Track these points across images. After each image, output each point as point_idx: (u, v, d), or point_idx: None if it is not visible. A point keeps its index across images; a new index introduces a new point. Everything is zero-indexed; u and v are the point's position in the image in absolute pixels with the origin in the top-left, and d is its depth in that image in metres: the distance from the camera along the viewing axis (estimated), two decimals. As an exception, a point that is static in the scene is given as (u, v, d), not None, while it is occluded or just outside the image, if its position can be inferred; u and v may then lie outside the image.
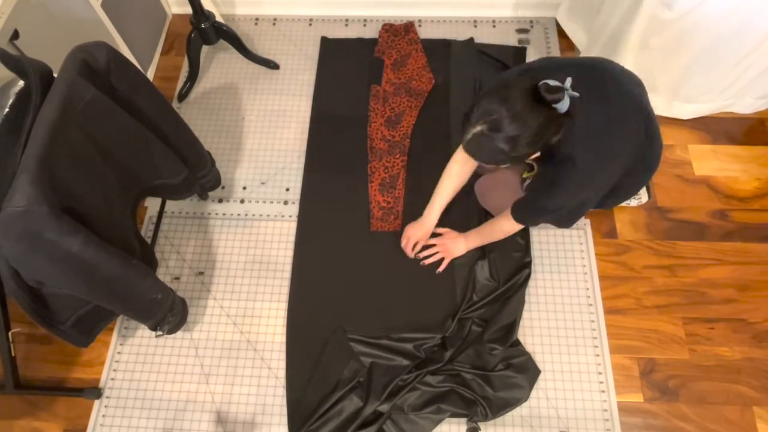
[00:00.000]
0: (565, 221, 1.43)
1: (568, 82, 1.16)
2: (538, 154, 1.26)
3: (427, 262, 1.69)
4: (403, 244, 1.70)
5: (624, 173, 1.34)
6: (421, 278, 1.69)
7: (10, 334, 1.46)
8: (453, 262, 1.70)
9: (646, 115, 1.31)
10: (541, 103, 1.14)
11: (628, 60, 1.77)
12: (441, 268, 1.68)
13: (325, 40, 2.16)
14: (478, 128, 1.17)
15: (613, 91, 1.26)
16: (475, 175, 1.70)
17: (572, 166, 1.25)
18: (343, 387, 1.52)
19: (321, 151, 1.93)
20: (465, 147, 1.24)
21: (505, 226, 1.52)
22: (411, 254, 1.70)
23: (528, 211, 1.44)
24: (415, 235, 1.68)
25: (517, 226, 1.49)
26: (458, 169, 1.59)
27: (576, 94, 1.16)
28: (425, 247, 1.70)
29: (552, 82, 1.14)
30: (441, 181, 1.63)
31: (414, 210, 1.72)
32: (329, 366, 1.56)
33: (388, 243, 1.73)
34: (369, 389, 1.52)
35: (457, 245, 1.66)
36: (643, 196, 1.74)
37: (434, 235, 1.70)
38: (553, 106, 1.14)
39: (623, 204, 1.75)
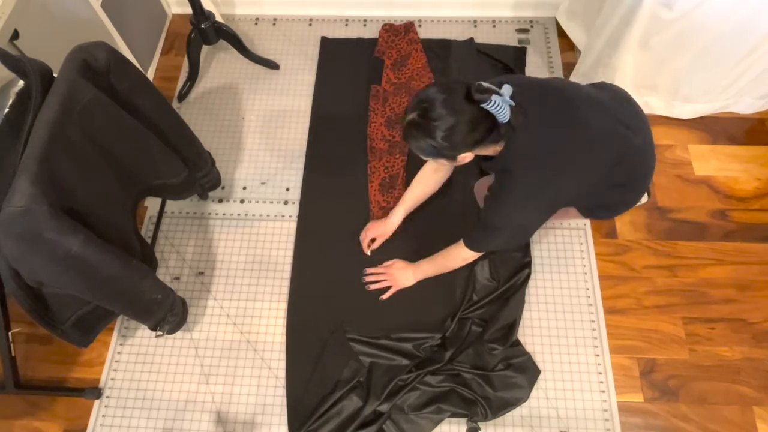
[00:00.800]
0: (512, 242, 1.45)
1: (505, 89, 1.16)
2: (471, 156, 1.24)
3: (372, 287, 1.68)
4: (360, 237, 1.72)
5: (608, 190, 1.36)
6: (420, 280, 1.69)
7: (10, 334, 1.46)
8: None
9: (620, 142, 1.28)
10: (471, 102, 1.14)
11: (628, 60, 1.77)
12: (386, 296, 1.66)
13: (325, 40, 2.16)
14: (412, 115, 1.19)
15: (579, 118, 1.24)
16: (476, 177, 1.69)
17: (509, 180, 1.26)
18: (342, 387, 1.53)
19: (321, 150, 1.93)
20: (403, 135, 1.26)
21: (460, 254, 1.48)
22: (366, 250, 1.72)
23: (477, 233, 1.42)
24: (375, 231, 1.70)
25: (471, 254, 1.46)
26: (427, 175, 1.61)
27: (511, 102, 1.15)
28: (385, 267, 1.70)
29: (486, 84, 1.15)
30: (411, 186, 1.66)
31: (413, 210, 1.72)
32: (329, 366, 1.57)
33: (387, 243, 1.73)
34: (369, 389, 1.52)
35: (404, 275, 1.65)
36: (642, 197, 1.73)
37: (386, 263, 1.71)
38: (485, 107, 1.13)
39: None
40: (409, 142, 1.24)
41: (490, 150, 1.27)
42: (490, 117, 1.16)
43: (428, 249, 1.60)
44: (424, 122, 1.17)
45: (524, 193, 1.27)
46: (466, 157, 1.24)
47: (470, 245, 1.43)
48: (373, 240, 1.72)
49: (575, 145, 1.24)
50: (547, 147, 1.23)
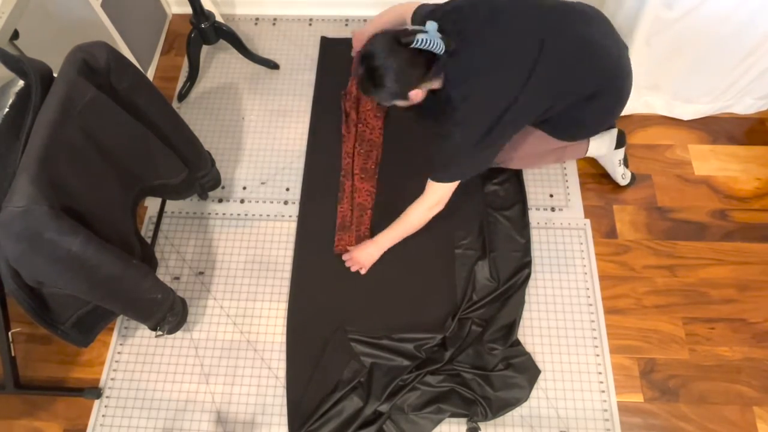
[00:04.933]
0: (474, 166, 1.49)
1: (430, 25, 1.32)
2: (422, 93, 1.40)
3: (352, 270, 1.70)
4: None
5: (558, 101, 1.40)
6: (422, 278, 1.69)
7: (10, 334, 1.46)
8: (455, 262, 1.70)
9: (543, 34, 1.33)
10: (404, 46, 1.31)
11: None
12: (363, 272, 1.69)
13: (324, 40, 2.16)
14: (360, 72, 1.37)
15: (493, 28, 1.34)
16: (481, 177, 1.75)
17: (455, 100, 1.36)
18: (343, 387, 1.52)
19: (321, 150, 1.93)
20: (361, 90, 1.43)
21: (422, 204, 1.53)
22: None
23: (438, 166, 1.48)
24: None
25: (433, 202, 1.51)
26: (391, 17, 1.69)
27: (439, 35, 1.31)
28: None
29: (411, 28, 1.35)
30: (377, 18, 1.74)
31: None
32: (330, 366, 1.56)
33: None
34: (369, 390, 1.52)
35: (366, 253, 1.67)
36: (626, 173, 1.78)
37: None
38: (417, 47, 1.29)
39: (620, 175, 1.78)
40: (367, 95, 1.44)
41: (437, 82, 1.39)
42: (426, 52, 1.31)
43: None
44: (372, 73, 1.34)
45: (470, 104, 1.35)
46: (418, 94, 1.39)
47: (437, 178, 1.48)
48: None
49: (494, 52, 1.34)
50: (480, 62, 1.33)
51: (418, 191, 1.54)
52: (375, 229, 1.74)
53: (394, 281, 1.69)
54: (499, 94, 1.34)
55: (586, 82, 1.41)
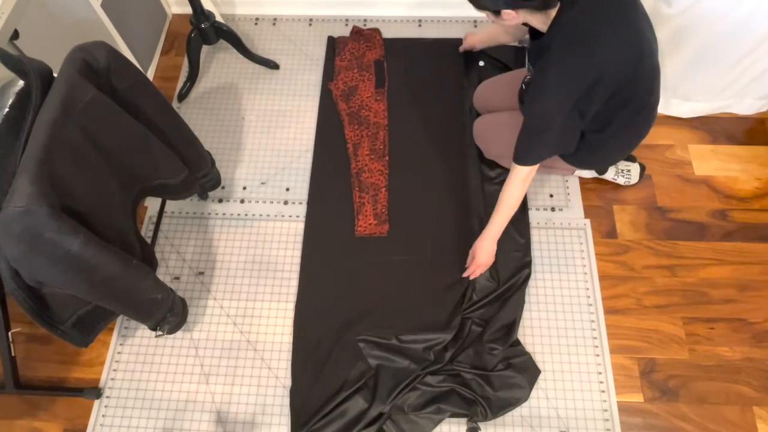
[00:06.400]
0: (561, 141, 1.43)
1: None
2: (517, 18, 1.27)
3: (475, 276, 1.66)
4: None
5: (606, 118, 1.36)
6: (429, 278, 1.68)
7: (10, 334, 1.46)
8: (455, 264, 1.70)
9: (642, 41, 1.29)
10: None
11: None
12: (478, 274, 1.65)
13: (331, 40, 2.16)
14: None
15: (626, 4, 1.26)
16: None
17: (548, 62, 1.27)
18: (349, 388, 1.51)
19: (328, 149, 1.93)
20: None
21: (516, 182, 1.46)
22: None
23: (523, 143, 1.41)
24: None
25: (525, 172, 1.43)
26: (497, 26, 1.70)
27: None
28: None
29: None
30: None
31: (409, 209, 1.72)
32: (336, 366, 1.56)
33: (395, 244, 1.73)
34: (375, 392, 1.51)
35: (484, 251, 1.60)
36: (633, 175, 1.77)
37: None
38: None
39: (611, 178, 1.79)
40: None
41: (538, 20, 1.28)
42: None
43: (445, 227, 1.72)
44: None
45: (563, 76, 1.26)
46: (510, 15, 1.26)
47: (520, 159, 1.41)
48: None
49: (609, 29, 1.24)
50: (583, 27, 1.24)
51: (428, 170, 1.62)
52: (391, 208, 1.78)
53: (400, 283, 1.69)
54: (595, 65, 1.26)
55: (649, 95, 1.39)
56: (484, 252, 1.61)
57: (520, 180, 1.46)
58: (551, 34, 1.28)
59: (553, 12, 1.25)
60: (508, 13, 1.26)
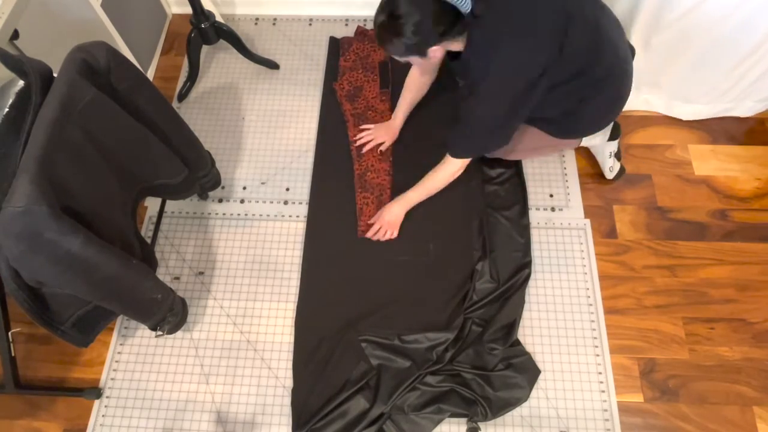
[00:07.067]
0: (493, 139, 1.49)
1: None
2: (441, 51, 1.35)
3: (382, 239, 1.72)
4: (364, 140, 1.84)
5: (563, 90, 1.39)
6: (430, 278, 1.68)
7: (10, 334, 1.46)
8: (456, 264, 1.70)
9: (565, 5, 1.30)
10: None
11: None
12: (394, 236, 1.72)
13: (333, 40, 2.16)
14: (381, 18, 1.30)
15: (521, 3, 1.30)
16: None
17: (475, 71, 1.34)
18: (350, 388, 1.51)
19: (329, 149, 1.93)
20: (377, 39, 1.36)
21: (446, 169, 1.57)
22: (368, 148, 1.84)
23: (455, 136, 1.49)
24: (382, 135, 1.81)
25: (457, 165, 1.53)
26: (415, 79, 1.74)
27: None
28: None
29: None
30: (402, 94, 1.80)
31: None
32: (338, 366, 1.55)
33: (397, 244, 1.73)
34: (376, 393, 1.51)
35: (392, 213, 1.70)
36: (615, 166, 1.78)
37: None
38: (447, 1, 1.25)
39: (608, 161, 1.79)
40: (383, 46, 1.35)
41: (458, 44, 1.36)
42: (453, 10, 1.27)
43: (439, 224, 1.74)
44: (393, 22, 1.28)
45: (494, 77, 1.32)
46: (437, 52, 1.34)
47: (453, 151, 1.49)
48: (380, 144, 1.85)
49: (517, 28, 1.29)
50: (507, 28, 1.30)
51: (429, 171, 1.63)
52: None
53: (402, 282, 1.68)
54: (526, 65, 1.30)
55: (603, 63, 1.40)
56: (391, 214, 1.70)
57: (449, 173, 1.58)
58: (471, 50, 1.34)
59: (467, 30, 1.32)
60: (434, 50, 1.33)
